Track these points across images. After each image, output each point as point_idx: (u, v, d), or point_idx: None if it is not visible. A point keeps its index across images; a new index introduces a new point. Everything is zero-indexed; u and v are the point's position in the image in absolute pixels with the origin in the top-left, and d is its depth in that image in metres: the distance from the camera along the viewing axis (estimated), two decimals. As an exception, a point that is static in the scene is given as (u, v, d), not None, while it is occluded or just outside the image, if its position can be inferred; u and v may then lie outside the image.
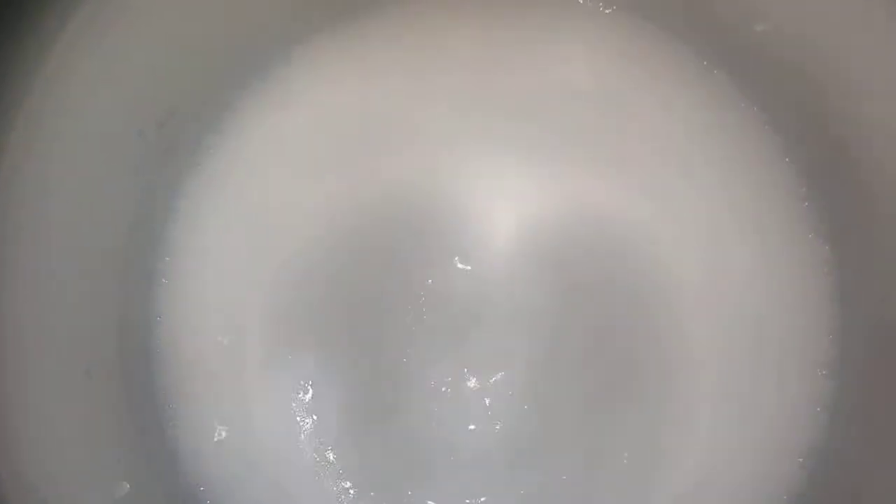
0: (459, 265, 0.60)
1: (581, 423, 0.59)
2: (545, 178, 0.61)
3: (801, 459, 0.58)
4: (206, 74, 0.60)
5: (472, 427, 0.59)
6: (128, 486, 0.53)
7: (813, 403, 0.58)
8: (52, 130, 0.46)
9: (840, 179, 0.57)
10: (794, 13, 0.55)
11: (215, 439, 0.60)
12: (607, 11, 0.63)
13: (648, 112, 0.61)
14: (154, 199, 0.59)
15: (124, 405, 0.57)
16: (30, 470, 0.43)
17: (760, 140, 0.61)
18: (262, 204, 0.62)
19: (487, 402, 0.59)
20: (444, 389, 0.59)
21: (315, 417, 0.60)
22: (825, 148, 0.58)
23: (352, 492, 0.59)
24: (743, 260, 0.60)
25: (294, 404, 0.60)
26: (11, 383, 0.45)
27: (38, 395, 0.48)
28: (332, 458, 0.59)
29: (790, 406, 0.58)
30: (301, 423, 0.60)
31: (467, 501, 0.58)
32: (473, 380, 0.59)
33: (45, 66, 0.43)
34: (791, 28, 0.56)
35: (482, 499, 0.58)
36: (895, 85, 0.52)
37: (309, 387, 0.60)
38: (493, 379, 0.59)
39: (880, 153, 0.54)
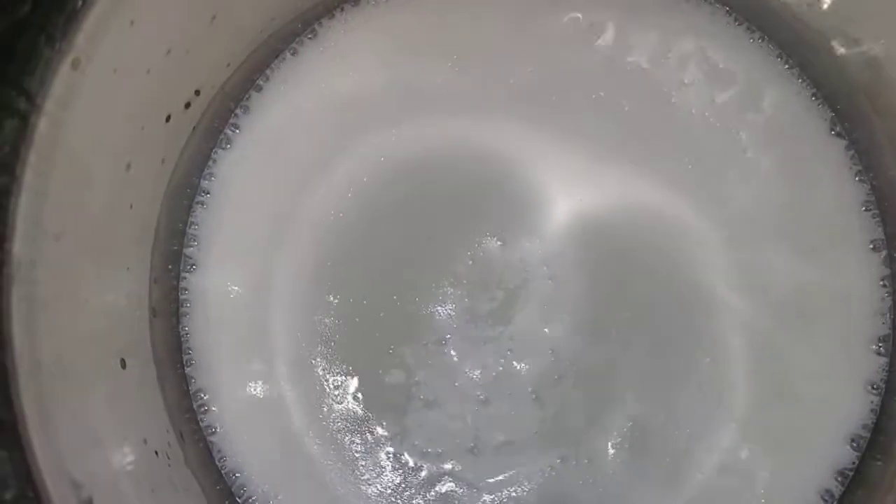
0: (500, 246, 0.59)
1: (626, 407, 0.58)
2: (587, 162, 0.59)
3: (850, 439, 0.57)
4: (231, 52, 0.57)
5: (513, 412, 0.58)
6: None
7: (863, 383, 0.57)
8: (79, 114, 0.44)
9: (894, 154, 0.56)
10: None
11: (248, 421, 0.59)
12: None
13: (692, 88, 0.59)
14: (183, 182, 0.57)
15: (158, 392, 0.55)
16: (68, 462, 0.42)
17: (808, 114, 0.59)
18: (294, 183, 0.60)
19: (530, 388, 0.58)
20: (486, 374, 0.58)
21: (352, 403, 0.58)
22: (876, 121, 0.56)
23: (391, 474, 0.58)
24: (790, 239, 0.58)
25: (329, 392, 0.59)
26: (48, 376, 0.44)
27: (74, 386, 0.46)
28: (371, 441, 0.58)
29: (839, 385, 0.57)
30: (337, 408, 0.59)
31: (508, 487, 0.57)
32: (516, 364, 0.58)
33: (69, 50, 0.41)
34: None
35: (529, 483, 0.57)
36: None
37: (346, 373, 0.59)
38: (538, 363, 0.58)
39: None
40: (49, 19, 0.41)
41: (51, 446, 0.40)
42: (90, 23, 0.43)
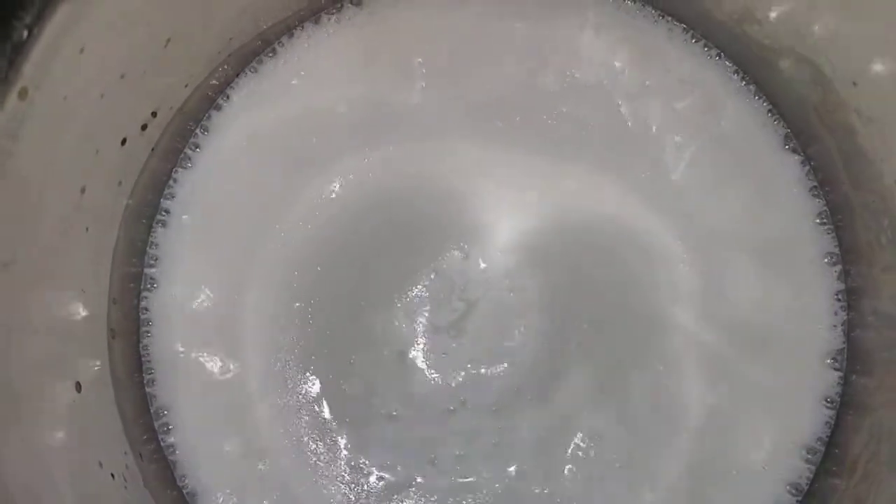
0: (463, 259, 0.59)
1: (584, 419, 0.58)
2: (550, 177, 0.60)
3: (805, 452, 0.57)
4: (189, 73, 0.58)
5: (472, 424, 0.58)
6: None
7: (818, 397, 0.57)
8: (28, 143, 0.44)
9: (846, 169, 0.56)
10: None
11: (211, 437, 0.59)
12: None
13: (651, 103, 0.60)
14: (142, 203, 0.58)
15: (116, 413, 0.56)
16: (12, 488, 0.42)
17: (764, 129, 0.59)
18: (256, 200, 0.60)
19: (490, 400, 0.58)
20: (446, 385, 0.58)
21: (314, 415, 0.59)
22: (828, 137, 0.57)
23: (352, 486, 0.58)
24: (746, 253, 0.59)
25: (291, 405, 0.59)
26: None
27: (24, 411, 0.46)
28: (332, 453, 0.58)
29: (793, 398, 0.58)
30: (299, 422, 0.59)
31: (467, 498, 0.58)
32: (476, 376, 0.59)
33: (16, 81, 0.41)
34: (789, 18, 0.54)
35: (487, 495, 0.58)
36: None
37: (309, 385, 0.59)
38: (497, 375, 0.59)
39: (891, 142, 0.52)
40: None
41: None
42: (37, 52, 0.43)
